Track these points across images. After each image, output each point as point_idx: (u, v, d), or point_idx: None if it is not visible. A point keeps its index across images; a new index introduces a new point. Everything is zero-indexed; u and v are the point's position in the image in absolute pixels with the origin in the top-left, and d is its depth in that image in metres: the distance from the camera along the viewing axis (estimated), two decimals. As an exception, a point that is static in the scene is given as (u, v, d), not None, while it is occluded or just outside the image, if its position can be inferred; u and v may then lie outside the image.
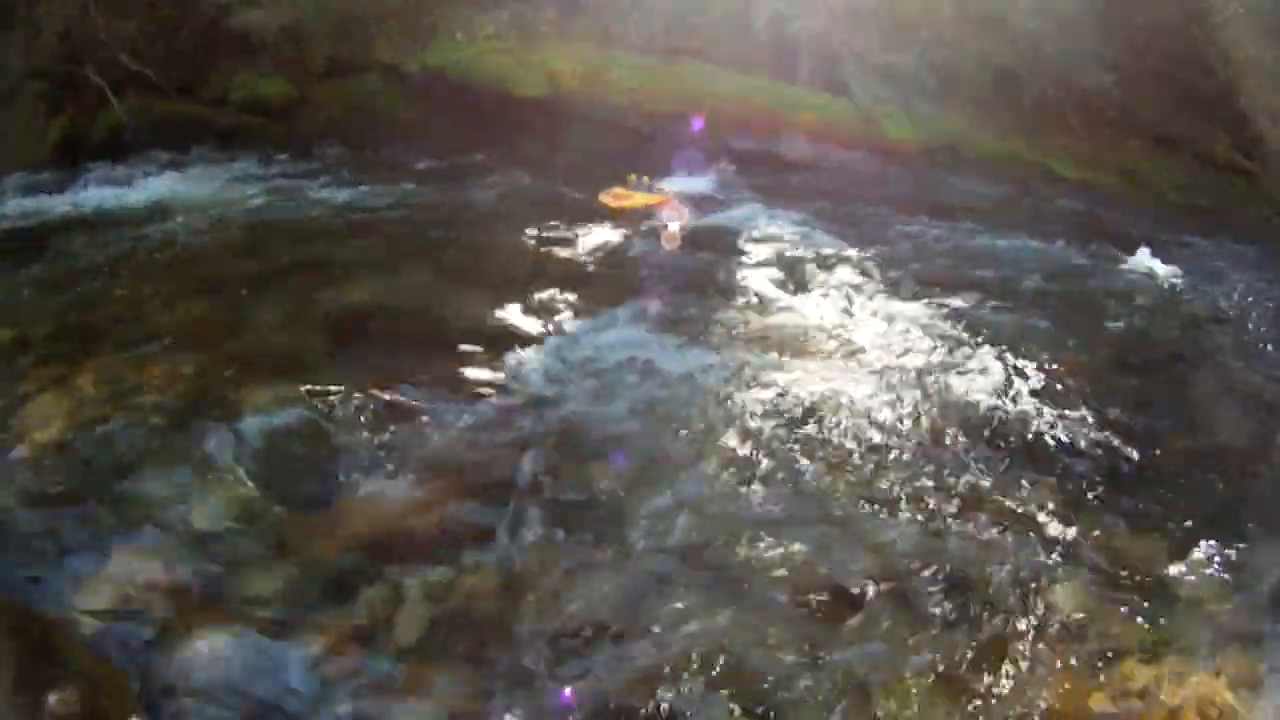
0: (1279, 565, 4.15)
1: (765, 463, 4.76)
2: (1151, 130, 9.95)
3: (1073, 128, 10.13)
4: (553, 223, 8.40)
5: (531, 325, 6.29)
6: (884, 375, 5.70)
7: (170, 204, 8.93)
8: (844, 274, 7.36)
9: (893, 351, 6.03)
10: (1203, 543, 4.25)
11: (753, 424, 5.09)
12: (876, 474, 4.74)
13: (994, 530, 4.31)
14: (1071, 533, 4.30)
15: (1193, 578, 4.05)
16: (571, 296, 6.73)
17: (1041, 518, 4.41)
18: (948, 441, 5.05)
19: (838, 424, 5.13)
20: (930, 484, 4.65)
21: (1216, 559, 4.17)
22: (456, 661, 3.54)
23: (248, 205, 8.96)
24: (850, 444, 4.97)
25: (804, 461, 4.80)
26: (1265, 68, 9.36)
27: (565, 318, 6.43)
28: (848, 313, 6.67)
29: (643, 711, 3.34)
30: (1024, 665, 3.54)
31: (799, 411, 5.23)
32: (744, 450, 4.86)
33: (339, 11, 11.17)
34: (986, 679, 3.47)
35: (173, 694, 3.30)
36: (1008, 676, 3.50)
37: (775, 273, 7.41)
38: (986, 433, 5.14)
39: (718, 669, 3.50)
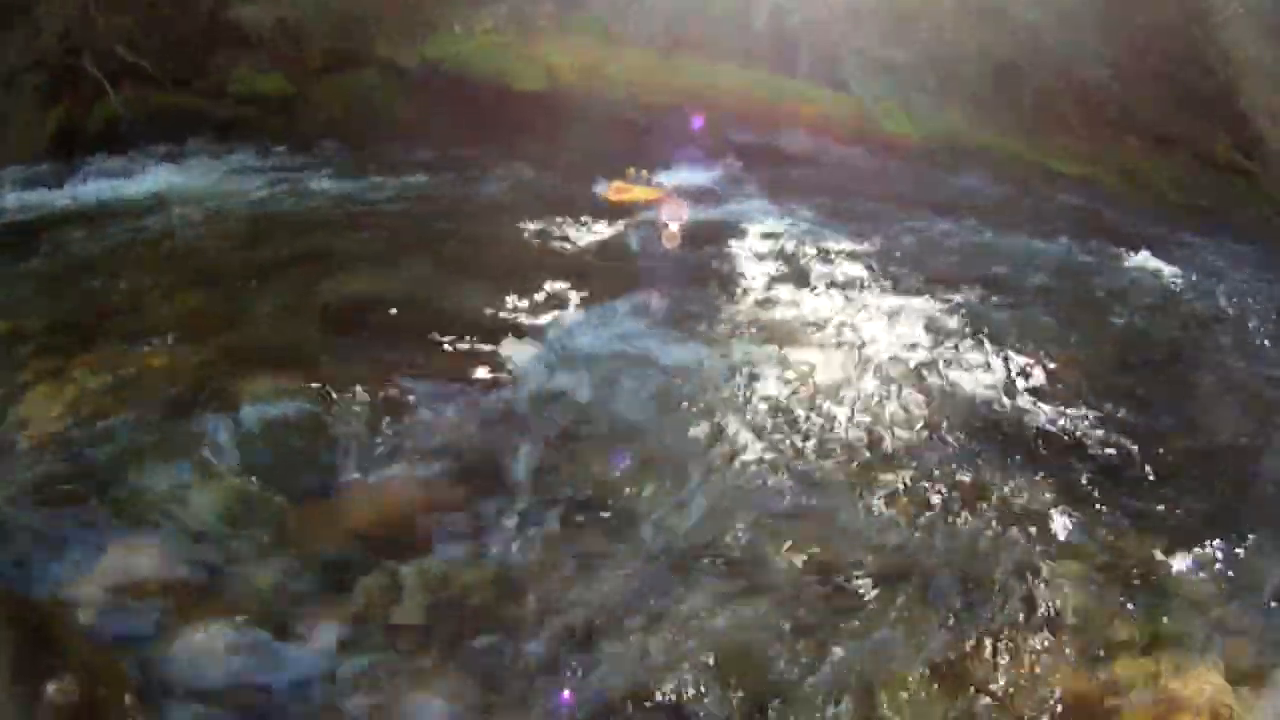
0: (1271, 559, 4.18)
1: (766, 456, 4.77)
2: (1151, 129, 9.98)
3: (1072, 126, 10.15)
4: (552, 216, 8.38)
5: (531, 318, 6.28)
6: (883, 370, 5.71)
7: (167, 196, 8.89)
8: (843, 269, 7.37)
9: (892, 346, 6.04)
10: (1202, 540, 4.27)
11: (753, 417, 5.10)
12: (876, 468, 4.75)
13: (994, 525, 4.32)
14: (1071, 529, 4.32)
15: (1192, 574, 4.08)
16: (571, 289, 6.73)
17: (1041, 513, 4.41)
18: (947, 437, 5.06)
19: (837, 417, 5.14)
20: (930, 479, 4.66)
21: (1216, 555, 4.20)
22: (455, 652, 3.53)
23: (245, 198, 8.93)
24: (849, 438, 4.98)
25: (803, 455, 4.81)
26: (1265, 68, 9.39)
27: (564, 310, 6.43)
28: (847, 307, 6.67)
29: (639, 702, 3.34)
30: (1022, 660, 3.55)
31: (799, 405, 5.24)
32: (745, 443, 4.86)
33: (337, 6, 11.14)
34: (985, 673, 3.49)
35: (171, 684, 3.29)
36: (1006, 671, 3.51)
37: (774, 267, 7.42)
38: (986, 428, 5.16)
39: (718, 661, 3.50)
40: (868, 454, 4.85)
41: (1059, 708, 3.36)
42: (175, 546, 3.94)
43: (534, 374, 5.52)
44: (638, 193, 8.94)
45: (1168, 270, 7.75)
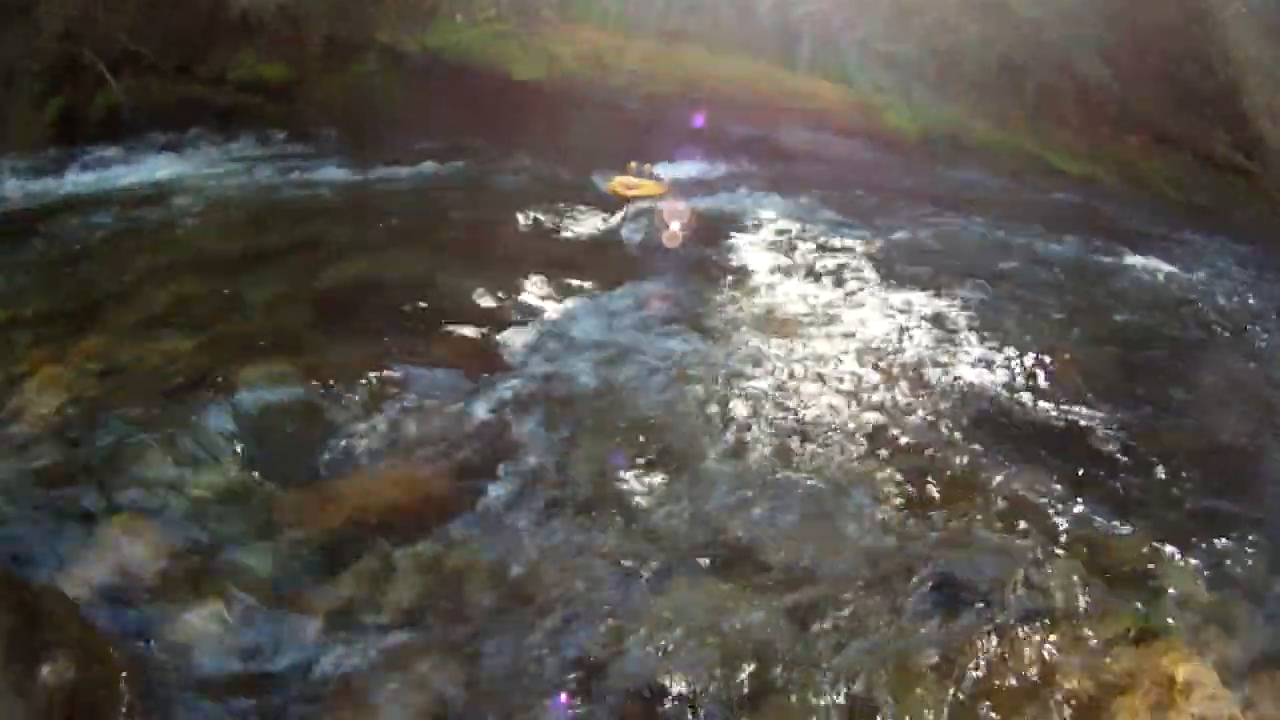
0: (1267, 556, 4.17)
1: (764, 448, 4.77)
2: (1151, 128, 9.98)
3: (1073, 123, 10.15)
4: (552, 205, 8.38)
5: (528, 306, 6.28)
6: (880, 364, 5.71)
7: (167, 184, 8.91)
8: (843, 262, 7.36)
9: (889, 341, 6.04)
10: (1199, 536, 4.26)
11: (752, 409, 5.10)
12: (875, 462, 4.74)
13: (991, 520, 4.32)
14: (1069, 524, 4.31)
15: (1188, 570, 4.07)
16: (569, 278, 6.72)
17: (1035, 509, 4.41)
18: (945, 432, 5.06)
19: (834, 411, 5.14)
20: (928, 474, 4.65)
21: (1212, 552, 4.19)
22: (448, 637, 3.54)
23: (245, 185, 8.94)
24: (848, 431, 4.97)
25: (801, 448, 4.80)
26: (1265, 67, 9.40)
27: (562, 299, 6.43)
28: (846, 301, 6.67)
29: (631, 689, 3.35)
30: (1017, 654, 3.53)
31: (797, 397, 5.24)
32: (744, 436, 4.86)
33: (338, -6, 11.15)
34: (979, 667, 3.47)
35: (165, 666, 3.30)
36: (1001, 665, 3.49)
37: (775, 259, 7.42)
38: (984, 423, 5.15)
39: (712, 653, 3.50)
40: (866, 448, 4.85)
41: (1054, 702, 3.36)
42: (171, 530, 3.95)
43: (531, 363, 5.52)
44: (641, 187, 8.93)
45: (1167, 268, 7.74)
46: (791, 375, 5.48)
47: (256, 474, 4.36)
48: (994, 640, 3.59)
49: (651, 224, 8.07)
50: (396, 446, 4.64)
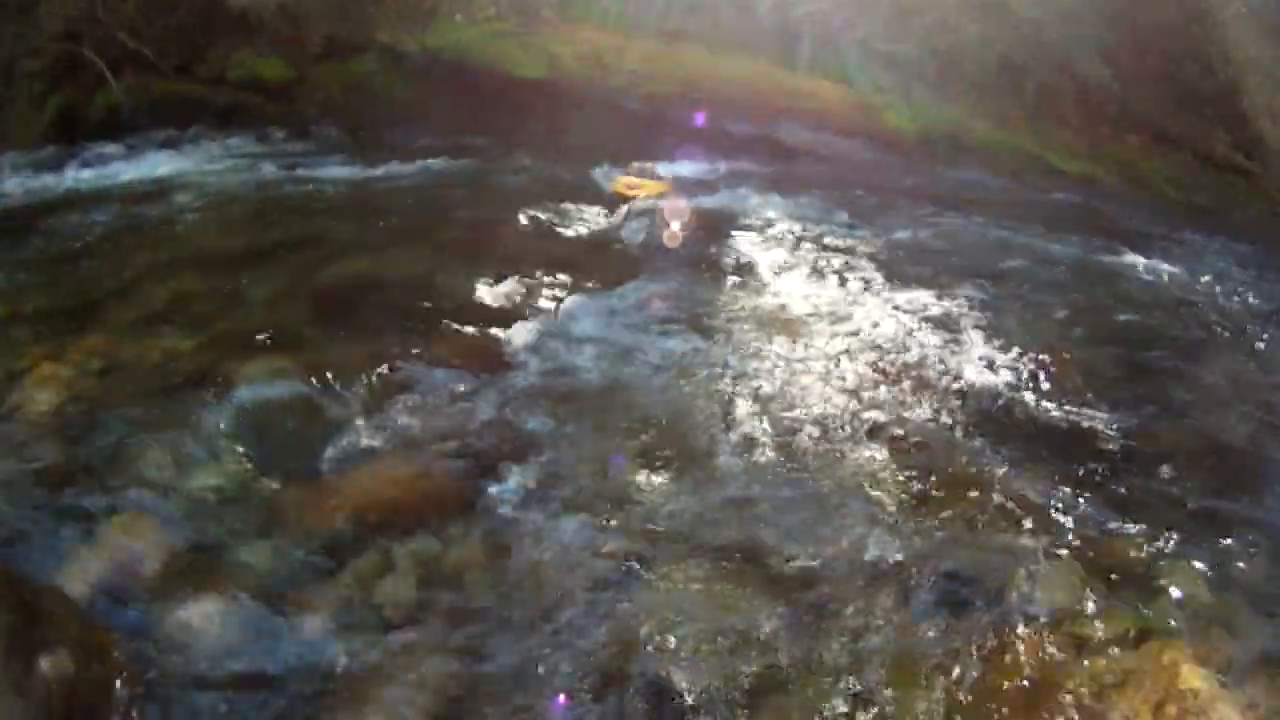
0: (1263, 558, 4.17)
1: (764, 447, 4.78)
2: (1151, 128, 9.97)
3: (1073, 123, 10.15)
4: (552, 204, 8.38)
5: (528, 304, 6.29)
6: (881, 363, 5.71)
7: (167, 182, 8.90)
8: (843, 261, 7.36)
9: (890, 339, 6.04)
10: (1197, 536, 4.26)
11: (750, 407, 5.11)
12: (873, 461, 4.74)
13: (988, 519, 4.32)
14: (1064, 523, 4.31)
15: (1186, 570, 4.06)
16: (570, 277, 6.73)
17: (1035, 508, 4.40)
18: (943, 430, 5.07)
19: (834, 410, 5.15)
20: (927, 473, 4.65)
21: (1210, 552, 4.18)
22: (448, 632, 3.55)
23: (244, 183, 8.93)
24: (847, 431, 4.98)
25: (798, 445, 4.81)
26: (1265, 68, 9.39)
27: (563, 297, 6.43)
28: (846, 299, 6.67)
29: (630, 689, 3.35)
30: (1011, 653, 3.54)
31: (796, 395, 5.25)
32: (741, 434, 4.87)
33: (339, -7, 11.16)
34: (973, 666, 3.48)
35: (164, 661, 3.30)
36: (994, 664, 3.50)
37: (773, 258, 7.41)
38: (982, 422, 5.15)
39: (711, 651, 3.51)
40: (867, 447, 4.85)
41: (1054, 702, 3.36)
42: (170, 528, 3.95)
43: (532, 360, 5.52)
44: (645, 187, 8.91)
45: (1167, 268, 7.74)
46: (792, 374, 5.48)
47: (257, 471, 4.37)
48: (994, 640, 3.59)
49: (652, 223, 8.06)
50: (397, 444, 4.64)
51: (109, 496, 4.11)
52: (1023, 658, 3.52)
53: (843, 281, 6.97)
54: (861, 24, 10.56)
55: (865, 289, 6.85)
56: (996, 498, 4.48)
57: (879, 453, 4.80)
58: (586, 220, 8.16)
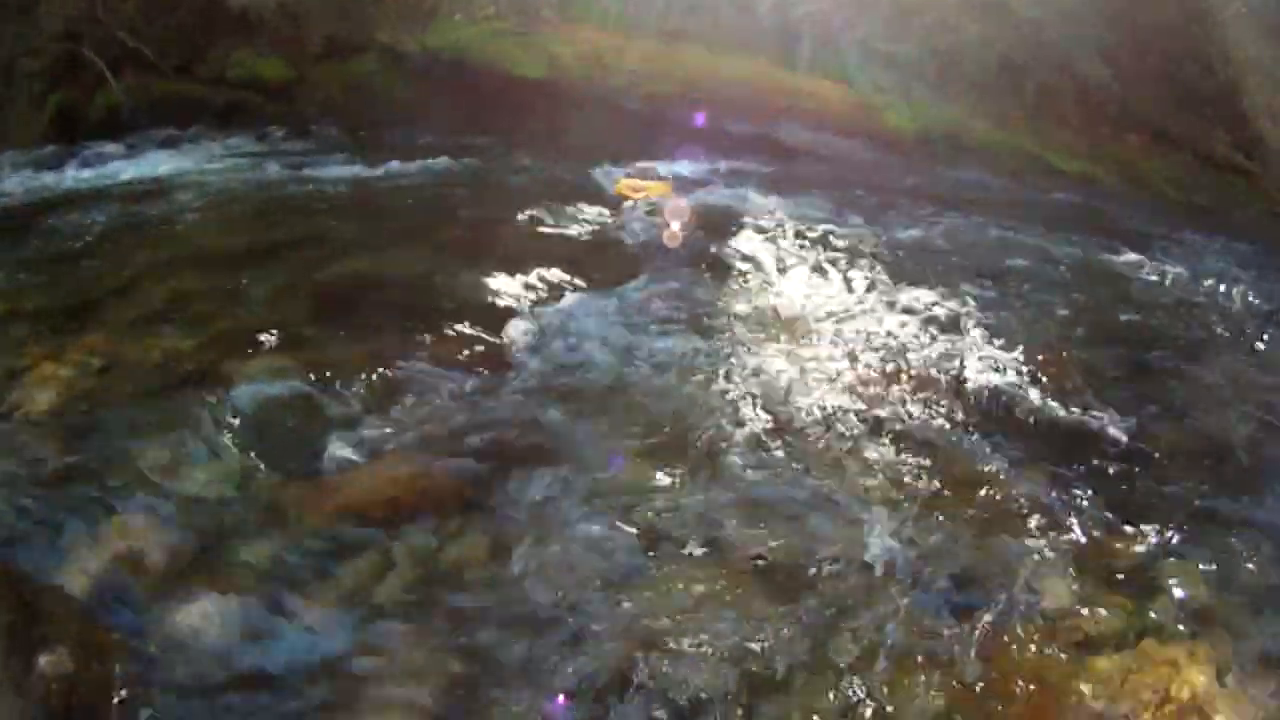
0: (1263, 557, 4.16)
1: (764, 445, 4.78)
2: (1151, 127, 9.97)
3: (1073, 123, 10.15)
4: (552, 203, 8.38)
5: (528, 303, 6.29)
6: (881, 361, 5.71)
7: (167, 181, 8.92)
8: (843, 260, 7.37)
9: (889, 339, 6.05)
10: (1195, 535, 4.26)
11: (753, 407, 5.10)
12: (873, 460, 4.74)
13: (988, 518, 4.31)
14: (1064, 523, 4.31)
15: (1184, 570, 4.06)
16: (569, 276, 6.73)
17: (1032, 508, 4.40)
18: (943, 429, 5.06)
19: (835, 409, 5.14)
20: (925, 473, 4.65)
21: (1208, 551, 4.17)
22: (448, 631, 3.55)
23: (245, 182, 8.95)
24: (848, 430, 4.98)
25: (798, 445, 4.81)
26: (1265, 68, 9.40)
27: (563, 297, 6.43)
28: (847, 298, 6.69)
29: (629, 687, 3.34)
30: (1011, 653, 3.54)
31: (797, 395, 5.24)
32: (743, 434, 4.86)
33: (339, -8, 11.17)
34: (969, 668, 3.47)
35: (164, 659, 3.29)
36: (994, 664, 3.49)
37: (774, 257, 7.42)
38: (982, 421, 5.15)
39: (710, 650, 3.50)
40: (868, 447, 4.84)
41: (1051, 701, 3.36)
42: (170, 526, 3.94)
43: (532, 360, 5.52)
44: (648, 188, 8.90)
45: (1167, 268, 7.74)
46: (792, 373, 5.48)
47: (257, 470, 4.36)
48: (994, 639, 3.58)
49: (653, 222, 8.07)
50: (398, 443, 4.63)
51: (109, 496, 4.10)
52: (1023, 657, 3.52)
53: (843, 281, 6.97)
54: (861, 24, 10.57)
55: (865, 288, 6.85)
56: (996, 497, 4.48)
57: (879, 452, 4.80)
58: (587, 220, 8.16)
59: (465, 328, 5.81)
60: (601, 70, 10.81)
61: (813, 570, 3.94)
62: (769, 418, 5.00)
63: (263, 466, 4.39)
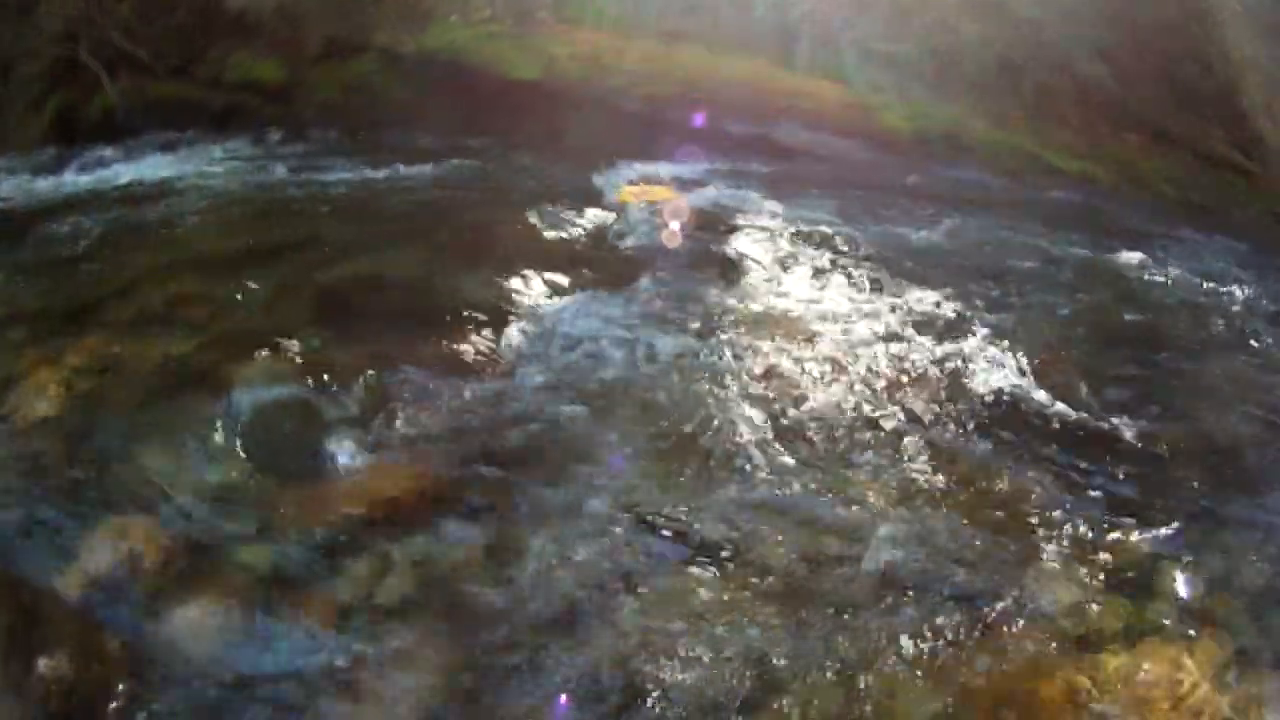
0: (1260, 555, 4.17)
1: (762, 447, 4.77)
2: (1150, 127, 9.96)
3: (1072, 122, 10.14)
4: (551, 205, 8.35)
5: (526, 305, 6.27)
6: (879, 362, 5.71)
7: (164, 184, 8.90)
8: (843, 260, 7.36)
9: (888, 338, 6.04)
10: (1195, 534, 4.26)
11: (752, 408, 5.10)
12: (872, 461, 4.74)
13: (987, 518, 4.31)
14: (1060, 523, 4.31)
15: (1183, 568, 4.06)
16: (569, 277, 6.72)
17: (1031, 507, 4.40)
18: (942, 428, 5.06)
19: (835, 409, 5.15)
20: (923, 472, 4.65)
21: (1208, 551, 4.18)
22: (447, 632, 3.55)
23: (242, 185, 8.93)
24: (848, 430, 4.98)
25: (799, 445, 4.81)
26: (1265, 67, 9.39)
27: (562, 299, 6.42)
28: (847, 298, 6.68)
29: (627, 689, 3.35)
30: (1010, 652, 3.54)
31: (797, 396, 5.25)
32: (742, 434, 4.86)
33: (336, -5, 11.17)
34: (969, 667, 3.47)
35: (161, 662, 3.30)
36: (993, 664, 3.49)
37: (773, 257, 7.41)
38: (980, 421, 5.15)
39: (709, 652, 3.50)
40: (868, 447, 4.85)
41: (1051, 701, 3.36)
42: (169, 528, 3.95)
43: (530, 361, 5.52)
44: (658, 192, 8.88)
45: (1167, 267, 7.73)
46: (793, 373, 5.48)
47: (256, 472, 4.36)
48: (994, 639, 3.58)
49: (652, 223, 8.06)
50: (396, 445, 4.64)
51: (108, 497, 4.11)
52: (1023, 657, 3.52)
53: (843, 281, 6.96)
54: (860, 24, 10.56)
55: (865, 288, 6.85)
56: (996, 496, 4.48)
57: (880, 452, 4.80)
58: (585, 221, 8.14)
59: (465, 329, 5.80)
60: (599, 71, 10.79)
61: (814, 570, 3.94)
62: (770, 419, 5.00)
63: (262, 468, 4.38)
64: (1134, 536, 4.23)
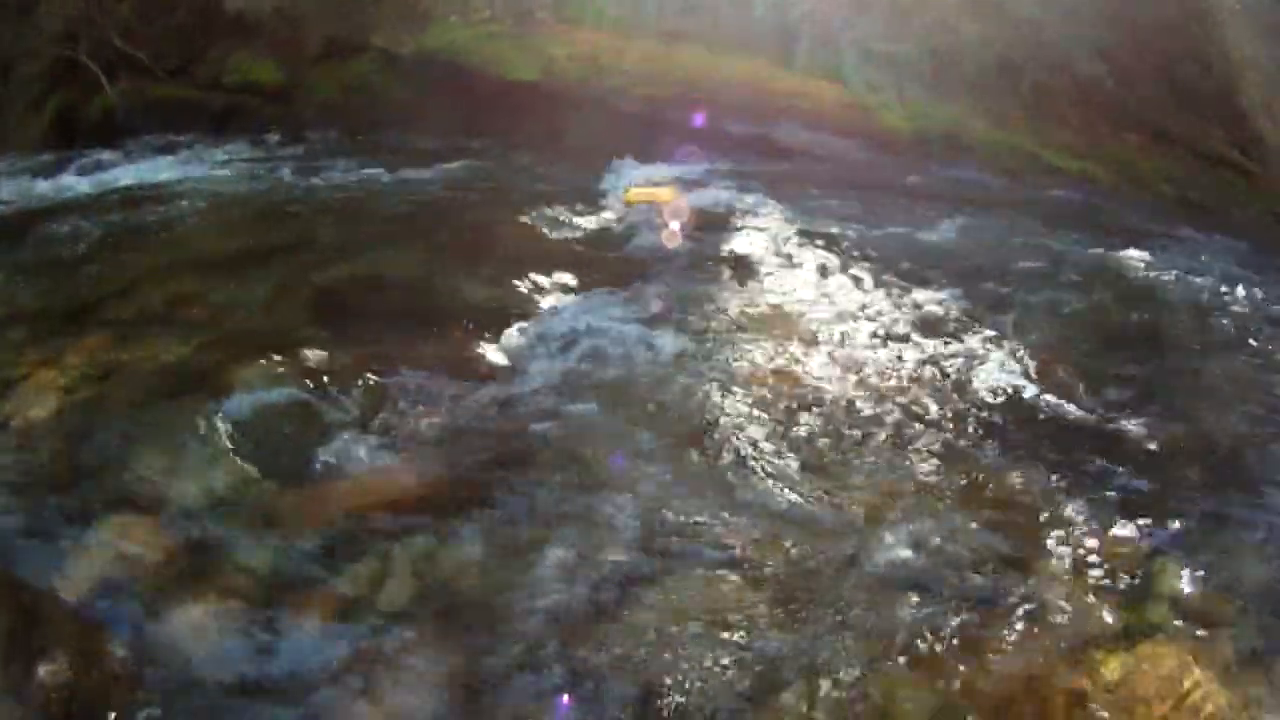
0: (1260, 555, 4.18)
1: (762, 447, 4.77)
2: (1150, 126, 9.96)
3: (1071, 122, 10.14)
4: (550, 205, 8.36)
5: (525, 306, 6.26)
6: (879, 362, 5.72)
7: (164, 185, 8.91)
8: (843, 260, 7.36)
9: (888, 338, 6.05)
10: (1195, 535, 4.25)
11: (752, 408, 5.10)
12: (869, 460, 4.74)
13: (987, 518, 4.31)
14: (1060, 523, 4.31)
15: (1183, 569, 4.05)
16: (567, 279, 6.71)
17: (1031, 507, 4.40)
18: (942, 428, 5.06)
19: (835, 409, 5.14)
20: (923, 471, 4.65)
21: (1208, 551, 4.17)
22: (447, 633, 3.55)
23: (241, 186, 8.95)
24: (847, 430, 4.98)
25: (799, 446, 4.81)
26: (1264, 67, 9.40)
27: (562, 299, 6.42)
28: (846, 298, 6.68)
29: (630, 688, 3.34)
30: (1009, 653, 3.53)
31: (796, 396, 5.24)
32: (742, 434, 4.86)
33: (335, -4, 11.18)
34: (969, 667, 3.47)
35: (161, 665, 3.29)
36: (993, 664, 3.49)
37: (773, 257, 7.42)
38: (979, 421, 5.15)
39: (709, 652, 3.50)
40: (865, 445, 4.85)
41: (1051, 701, 3.35)
42: (168, 530, 3.95)
43: (530, 362, 5.52)
44: (657, 195, 8.87)
45: (1166, 267, 7.72)
46: (793, 373, 5.48)
47: (256, 473, 4.35)
48: (993, 639, 3.58)
49: (652, 223, 8.06)
50: (396, 446, 4.63)
51: (108, 499, 4.11)
52: (1023, 657, 3.51)
53: (843, 281, 6.96)
54: (859, 24, 10.56)
55: (865, 288, 6.85)
56: (996, 496, 4.48)
57: (881, 452, 4.80)
58: (585, 221, 8.15)
59: (465, 330, 5.80)
60: (598, 71, 10.79)
61: (815, 570, 3.94)
62: (771, 419, 5.00)
63: (261, 470, 4.38)
64: (1134, 536, 4.23)
